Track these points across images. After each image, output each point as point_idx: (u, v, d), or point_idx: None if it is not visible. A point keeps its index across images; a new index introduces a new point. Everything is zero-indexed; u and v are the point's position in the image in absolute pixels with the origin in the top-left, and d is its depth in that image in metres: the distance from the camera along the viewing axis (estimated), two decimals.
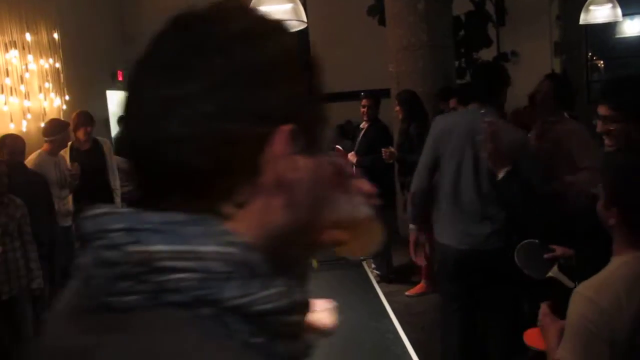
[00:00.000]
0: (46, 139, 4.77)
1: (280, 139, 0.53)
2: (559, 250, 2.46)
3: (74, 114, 5.21)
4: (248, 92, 0.53)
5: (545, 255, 2.45)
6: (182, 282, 0.49)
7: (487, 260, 2.93)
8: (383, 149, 4.71)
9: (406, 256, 5.69)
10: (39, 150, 4.75)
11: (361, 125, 5.37)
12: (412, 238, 3.27)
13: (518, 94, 7.08)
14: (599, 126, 2.30)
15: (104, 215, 0.53)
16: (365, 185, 0.69)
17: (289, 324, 0.53)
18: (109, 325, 0.50)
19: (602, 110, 2.26)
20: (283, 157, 0.53)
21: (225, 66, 0.53)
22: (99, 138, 5.35)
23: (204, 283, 0.49)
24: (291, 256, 0.58)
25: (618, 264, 1.59)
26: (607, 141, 2.29)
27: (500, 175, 2.62)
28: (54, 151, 4.78)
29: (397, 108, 5.06)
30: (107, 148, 5.28)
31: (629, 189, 1.60)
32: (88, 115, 5.22)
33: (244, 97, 0.52)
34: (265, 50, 0.55)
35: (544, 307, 1.72)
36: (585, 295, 1.52)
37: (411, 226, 3.31)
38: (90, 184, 4.99)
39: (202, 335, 0.48)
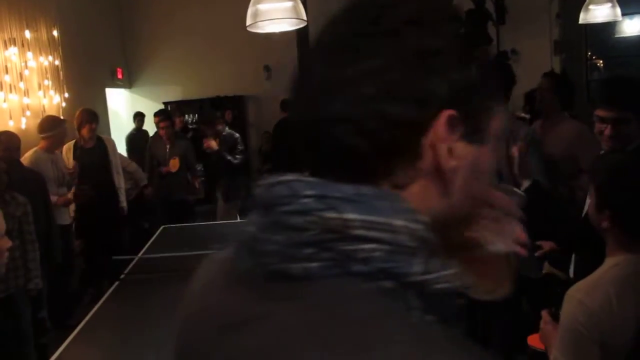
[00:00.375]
0: (42, 135, 4.74)
1: (441, 124, 0.53)
2: (546, 245, 2.48)
3: (77, 112, 5.22)
4: (412, 77, 0.53)
5: (536, 254, 2.47)
6: (371, 253, 0.49)
7: None
8: None
9: None
10: (35, 148, 4.73)
11: None
12: None
13: (518, 92, 7.09)
14: (596, 127, 2.31)
15: (292, 182, 0.53)
16: (520, 232, 0.69)
17: (455, 306, 0.54)
18: (286, 292, 0.50)
19: (599, 112, 2.27)
20: (443, 143, 0.53)
21: (393, 50, 0.53)
22: (103, 136, 5.37)
23: (392, 256, 0.49)
24: (447, 244, 0.57)
25: (609, 265, 1.58)
26: (603, 142, 2.29)
27: (524, 185, 2.60)
28: (50, 148, 4.75)
29: None
30: (111, 146, 5.30)
31: (620, 191, 1.59)
32: (92, 112, 5.24)
33: (408, 82, 0.52)
34: (435, 36, 0.54)
35: (544, 315, 1.72)
36: (576, 297, 1.52)
37: None
38: (94, 182, 5.00)
39: (385, 308, 0.48)
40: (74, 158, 5.03)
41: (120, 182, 5.30)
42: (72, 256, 4.95)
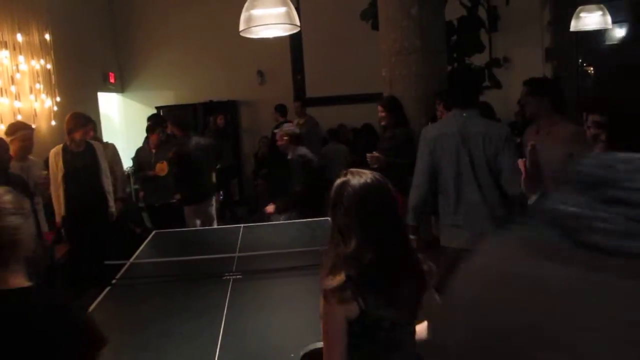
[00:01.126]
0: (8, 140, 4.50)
1: None
2: None
3: (67, 116, 5.15)
4: None
5: None
6: None
7: None
8: (367, 154, 4.69)
9: None
10: None
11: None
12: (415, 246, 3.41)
13: (510, 98, 7.13)
14: (589, 132, 2.33)
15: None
16: None
17: None
18: (626, 267, 0.49)
19: (595, 117, 2.29)
20: None
21: None
22: (93, 142, 5.30)
23: None
24: None
25: None
26: (598, 147, 2.31)
27: (532, 199, 2.58)
28: (18, 156, 4.57)
29: (384, 114, 5.03)
30: (100, 150, 5.23)
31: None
32: (86, 116, 5.19)
33: None
34: None
35: None
36: None
37: (411, 237, 3.42)
38: (82, 186, 4.95)
39: None
40: (63, 162, 4.95)
41: (109, 187, 5.26)
42: (55, 268, 4.84)
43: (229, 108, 9.60)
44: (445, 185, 3.37)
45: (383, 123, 5.11)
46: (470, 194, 3.26)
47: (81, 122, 5.04)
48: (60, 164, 4.98)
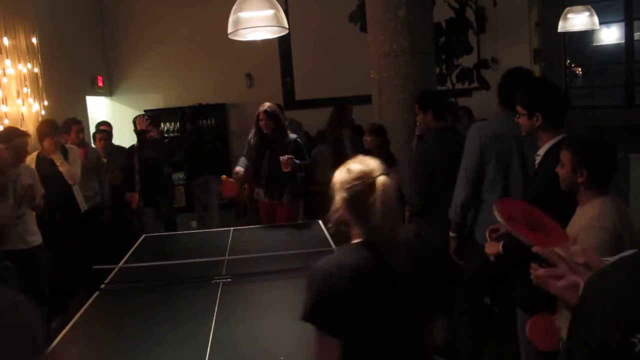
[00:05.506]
0: None
1: None
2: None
3: (40, 122, 5.03)
4: None
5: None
6: None
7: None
8: (281, 157, 4.81)
9: None
10: None
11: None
12: (454, 244, 3.59)
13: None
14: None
15: None
16: None
17: None
18: None
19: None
20: None
21: None
22: (67, 145, 5.16)
23: None
24: None
25: (592, 207, 2.27)
26: None
27: None
28: (9, 163, 4.36)
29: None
30: (73, 155, 5.07)
31: (592, 153, 2.30)
32: (54, 125, 5.05)
33: None
34: None
35: (534, 266, 1.78)
36: (595, 226, 2.19)
37: (452, 234, 3.57)
38: (54, 194, 4.80)
39: None
40: (37, 169, 4.76)
41: (78, 190, 5.10)
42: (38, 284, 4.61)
43: (218, 111, 9.58)
44: (491, 185, 3.35)
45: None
46: (516, 194, 3.22)
47: (50, 131, 4.91)
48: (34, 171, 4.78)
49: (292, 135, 5.19)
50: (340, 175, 1.81)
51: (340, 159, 2.01)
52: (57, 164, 4.89)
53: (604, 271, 1.16)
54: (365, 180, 1.75)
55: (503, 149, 3.29)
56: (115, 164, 6.11)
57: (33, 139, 4.77)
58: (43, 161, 4.94)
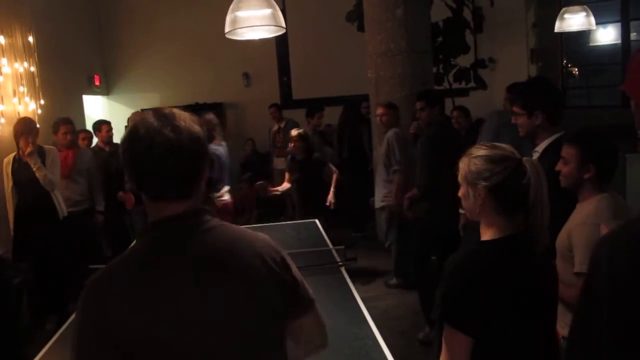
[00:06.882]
0: None
1: None
2: None
3: (16, 122, 4.79)
4: None
5: None
6: None
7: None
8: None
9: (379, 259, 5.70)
10: None
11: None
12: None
13: (495, 99, 7.17)
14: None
15: None
16: None
17: None
18: None
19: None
20: None
21: None
22: (45, 147, 4.82)
23: None
24: None
25: (592, 203, 2.26)
26: None
27: None
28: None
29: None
30: (51, 159, 4.72)
31: (599, 148, 2.30)
32: (29, 123, 4.73)
33: None
34: None
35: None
36: (592, 223, 2.15)
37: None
38: (30, 194, 4.60)
39: None
40: (12, 172, 4.61)
41: (58, 195, 4.75)
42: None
43: (215, 110, 9.55)
44: None
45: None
46: None
47: (25, 129, 4.56)
48: (10, 174, 4.64)
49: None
50: (471, 164, 1.66)
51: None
52: (34, 168, 4.53)
53: (615, 233, 1.15)
54: (508, 165, 1.61)
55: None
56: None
57: (12, 139, 4.67)
58: (18, 163, 4.66)
